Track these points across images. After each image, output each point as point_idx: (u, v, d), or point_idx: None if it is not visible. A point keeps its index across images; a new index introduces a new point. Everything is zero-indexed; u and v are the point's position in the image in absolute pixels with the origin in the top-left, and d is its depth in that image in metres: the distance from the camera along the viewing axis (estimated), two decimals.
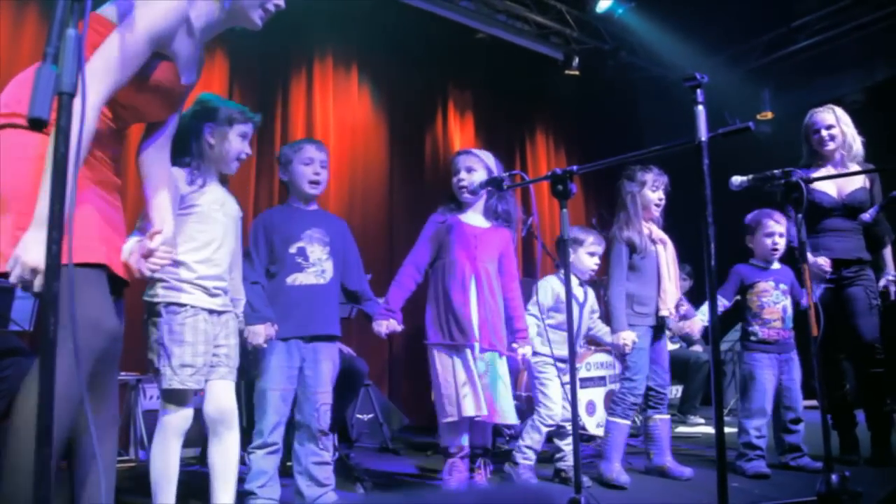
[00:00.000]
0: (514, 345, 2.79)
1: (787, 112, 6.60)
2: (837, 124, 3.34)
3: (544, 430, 2.95)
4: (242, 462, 2.69)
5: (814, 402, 2.41)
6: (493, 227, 2.81)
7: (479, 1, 5.73)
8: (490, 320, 2.67)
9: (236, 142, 2.20)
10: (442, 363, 2.64)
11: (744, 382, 3.29)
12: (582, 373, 4.19)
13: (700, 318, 3.18)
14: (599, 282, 3.23)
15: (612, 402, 3.05)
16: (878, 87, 5.95)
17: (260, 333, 2.31)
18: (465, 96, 6.39)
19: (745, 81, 6.64)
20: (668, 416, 3.13)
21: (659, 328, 3.06)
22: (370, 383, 4.22)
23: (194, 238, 2.11)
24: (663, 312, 2.99)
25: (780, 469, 3.16)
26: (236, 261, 2.28)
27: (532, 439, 2.94)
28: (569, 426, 2.92)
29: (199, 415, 2.14)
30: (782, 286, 3.24)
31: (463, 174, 2.79)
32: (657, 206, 3.10)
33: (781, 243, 3.24)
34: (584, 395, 4.09)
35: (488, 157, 2.84)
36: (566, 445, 3.00)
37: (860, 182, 3.32)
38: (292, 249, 2.50)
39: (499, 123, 6.54)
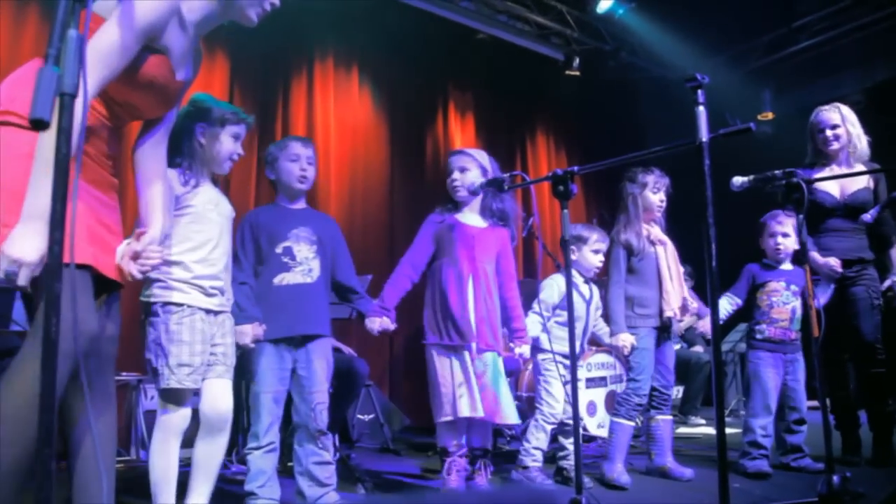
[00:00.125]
0: (512, 344, 2.79)
1: (787, 112, 6.60)
2: (843, 124, 3.32)
3: (549, 428, 2.95)
4: (242, 462, 2.70)
5: (816, 403, 2.41)
6: (490, 226, 2.79)
7: (480, 1, 5.73)
8: (488, 320, 2.67)
9: (228, 142, 2.21)
10: (440, 363, 2.64)
11: (748, 381, 3.29)
12: (582, 373, 4.18)
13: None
14: (600, 282, 3.22)
15: (616, 402, 3.05)
16: (879, 88, 5.95)
17: (247, 333, 2.30)
18: (465, 97, 6.39)
19: (745, 82, 6.64)
20: (670, 417, 3.13)
21: (664, 329, 3.06)
22: (371, 384, 4.22)
23: (190, 238, 2.11)
24: (668, 314, 2.99)
25: (781, 470, 3.16)
26: (229, 261, 2.29)
27: (537, 439, 2.94)
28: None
29: (196, 414, 2.14)
30: (793, 287, 3.23)
31: (456, 174, 2.77)
32: (659, 207, 3.10)
33: (785, 243, 3.24)
34: (584, 396, 4.09)
35: (482, 156, 2.83)
36: (570, 444, 3.00)
37: (864, 182, 3.31)
38: (278, 249, 2.48)
39: (499, 124, 6.54)
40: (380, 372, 5.12)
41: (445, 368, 2.62)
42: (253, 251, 2.49)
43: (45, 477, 0.93)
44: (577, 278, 3.06)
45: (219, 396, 2.12)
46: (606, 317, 3.09)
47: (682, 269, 3.11)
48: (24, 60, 1.61)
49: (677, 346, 5.51)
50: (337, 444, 2.79)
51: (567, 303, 2.03)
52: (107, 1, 1.49)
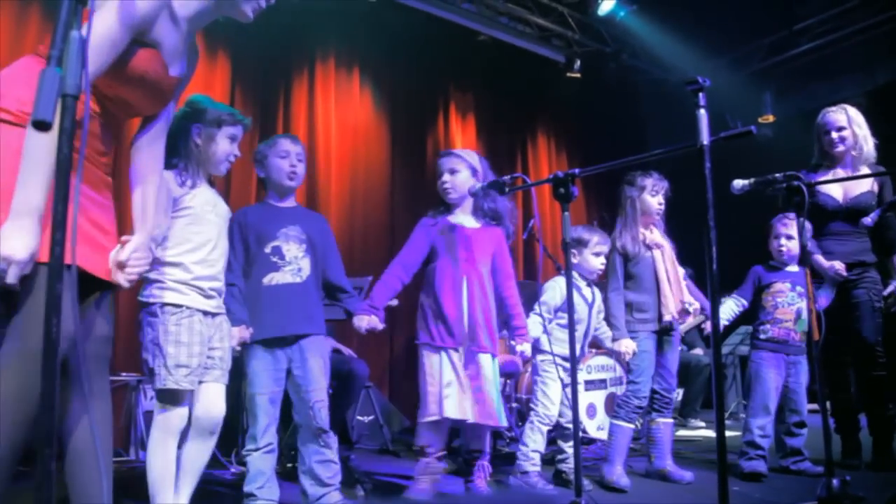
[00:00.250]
0: (513, 342, 2.76)
1: (788, 115, 6.61)
2: (849, 126, 3.31)
3: (544, 429, 2.93)
4: (241, 464, 2.69)
5: (816, 406, 2.41)
6: (483, 226, 2.78)
7: (481, 3, 5.73)
8: (483, 322, 2.65)
9: (225, 144, 2.20)
10: (429, 361, 2.61)
11: (749, 381, 3.29)
12: (582, 375, 4.18)
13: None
14: (600, 284, 3.22)
15: (616, 405, 3.05)
16: (880, 91, 5.95)
17: (234, 336, 2.29)
18: (466, 98, 6.40)
19: (746, 84, 6.64)
20: (671, 420, 3.13)
21: (665, 332, 3.05)
22: (371, 385, 4.22)
23: (189, 240, 2.11)
24: (666, 318, 2.99)
25: (780, 473, 3.16)
26: (226, 262, 2.29)
27: (534, 441, 2.92)
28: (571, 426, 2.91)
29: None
30: (798, 288, 3.22)
31: (447, 176, 2.76)
32: (657, 211, 3.09)
33: (789, 245, 3.23)
34: (584, 398, 4.09)
35: (472, 157, 2.81)
36: (569, 447, 2.99)
37: (867, 185, 3.30)
38: (267, 249, 2.46)
39: (500, 126, 6.54)
40: (379, 373, 5.12)
41: (434, 367, 2.59)
42: (242, 251, 2.46)
43: (45, 477, 0.93)
44: (580, 281, 3.05)
45: (213, 401, 2.13)
46: (609, 320, 3.08)
47: (682, 272, 3.10)
48: None
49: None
50: (336, 445, 2.77)
51: (567, 305, 2.03)
52: None
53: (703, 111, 1.66)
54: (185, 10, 1.64)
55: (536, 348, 3.07)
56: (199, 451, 2.13)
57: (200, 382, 2.10)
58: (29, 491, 0.97)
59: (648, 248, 3.04)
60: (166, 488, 2.04)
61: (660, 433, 3.08)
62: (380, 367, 5.15)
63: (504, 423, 2.65)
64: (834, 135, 3.33)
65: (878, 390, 3.23)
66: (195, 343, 2.06)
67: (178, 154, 2.15)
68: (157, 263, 2.06)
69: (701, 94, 1.66)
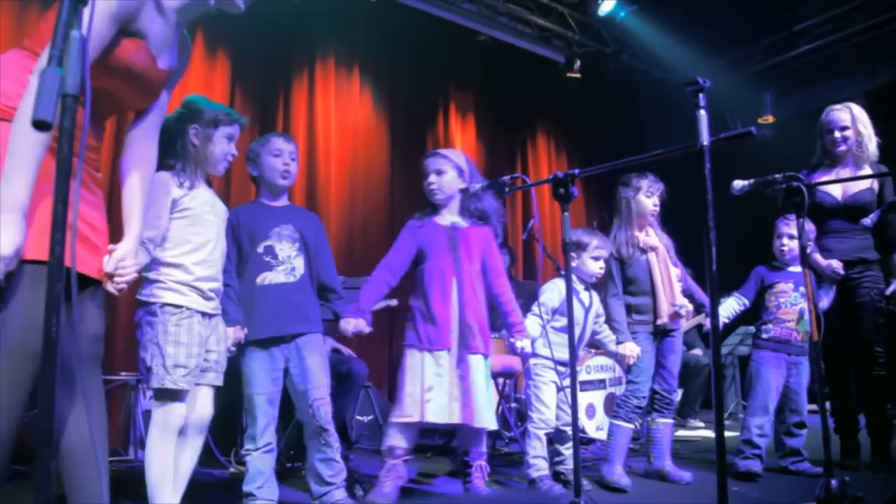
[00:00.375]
0: (512, 339, 2.73)
1: (788, 116, 6.62)
2: (853, 125, 3.29)
3: (542, 434, 2.90)
4: (241, 463, 2.69)
5: (816, 407, 2.41)
6: (470, 225, 2.74)
7: (481, 3, 5.73)
8: (473, 322, 2.61)
9: (221, 143, 2.20)
10: (410, 361, 2.58)
11: (749, 380, 3.29)
12: (582, 376, 4.18)
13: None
14: (599, 285, 3.21)
15: (616, 405, 3.05)
16: (880, 92, 5.95)
17: (229, 336, 2.29)
18: (466, 98, 6.40)
19: (746, 85, 6.64)
20: (671, 421, 3.13)
21: (666, 333, 3.05)
22: (370, 385, 4.22)
23: (190, 241, 2.12)
24: (659, 321, 2.99)
25: (779, 473, 3.16)
26: (223, 263, 2.29)
27: (534, 448, 2.89)
28: (569, 430, 2.90)
29: None
30: (801, 288, 3.21)
31: (433, 177, 2.73)
32: (652, 212, 3.09)
33: (790, 245, 3.23)
34: (583, 399, 4.09)
35: (458, 157, 2.78)
36: (566, 450, 2.98)
37: (867, 182, 3.28)
38: (260, 248, 2.45)
39: (500, 126, 6.55)
40: (379, 373, 5.12)
41: (416, 369, 2.55)
42: (235, 252, 2.45)
43: (45, 477, 0.93)
44: (577, 285, 3.05)
45: (203, 403, 2.14)
46: (610, 324, 3.08)
47: (676, 272, 3.09)
48: None
49: None
50: (338, 443, 2.76)
51: (567, 306, 2.03)
52: None
53: (703, 112, 1.66)
54: (172, 0, 1.62)
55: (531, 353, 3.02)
56: (188, 452, 2.14)
57: (196, 384, 2.10)
58: (28, 491, 0.97)
59: (643, 251, 3.04)
60: (165, 487, 2.04)
61: (659, 433, 3.08)
62: (379, 366, 5.15)
63: (492, 425, 2.59)
64: (837, 134, 3.31)
65: (877, 390, 3.23)
66: (194, 344, 2.07)
67: (176, 155, 2.15)
68: (156, 264, 2.07)
69: (701, 95, 1.66)
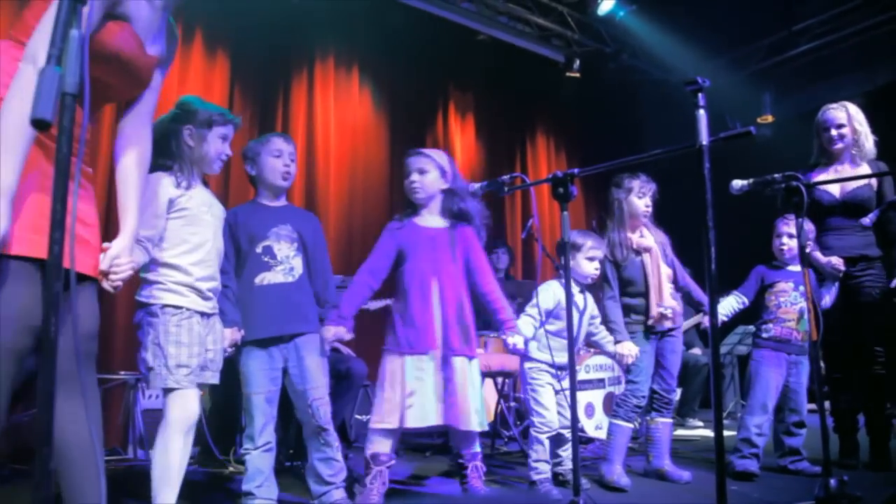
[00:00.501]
0: (504, 336, 2.67)
1: (787, 116, 6.62)
2: (849, 123, 3.30)
3: (544, 438, 2.89)
4: (240, 463, 2.69)
5: (814, 406, 2.41)
6: (450, 225, 2.70)
7: (481, 2, 5.73)
8: (458, 323, 2.57)
9: (216, 143, 2.20)
10: (391, 368, 2.57)
11: (749, 379, 3.29)
12: (581, 375, 4.18)
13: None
14: (597, 285, 3.20)
15: (615, 404, 3.05)
16: (880, 92, 5.95)
17: (226, 337, 2.29)
18: (465, 98, 6.40)
19: (745, 84, 6.65)
20: (670, 420, 3.13)
21: (666, 333, 3.05)
22: (369, 384, 4.21)
23: (187, 241, 2.12)
24: (650, 322, 2.99)
25: (778, 472, 3.16)
26: (221, 263, 2.29)
27: (536, 452, 2.86)
28: (566, 433, 2.89)
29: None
30: (802, 288, 3.21)
31: (415, 176, 2.70)
32: (644, 213, 3.09)
33: (790, 244, 3.23)
34: (582, 398, 4.09)
35: (440, 157, 2.77)
36: (563, 452, 2.97)
37: (864, 179, 3.29)
38: (258, 248, 2.45)
39: (500, 125, 6.55)
40: (378, 372, 5.10)
41: (396, 374, 2.54)
42: (233, 252, 2.44)
43: (45, 476, 0.93)
44: (573, 287, 3.04)
45: (191, 403, 2.13)
46: (608, 326, 3.08)
47: (668, 273, 3.08)
48: None
49: None
50: (338, 443, 2.76)
51: (566, 305, 2.02)
52: None
53: (702, 111, 1.66)
54: None
55: (524, 356, 3.00)
56: (183, 451, 2.14)
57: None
58: (27, 490, 0.97)
59: (637, 252, 3.04)
60: (170, 486, 2.03)
61: (658, 433, 3.08)
62: (378, 366, 5.13)
63: (478, 428, 2.53)
64: (833, 132, 3.32)
65: (877, 390, 3.23)
66: (195, 344, 2.08)
67: (171, 155, 2.15)
68: (155, 265, 2.07)
69: (700, 95, 1.67)
